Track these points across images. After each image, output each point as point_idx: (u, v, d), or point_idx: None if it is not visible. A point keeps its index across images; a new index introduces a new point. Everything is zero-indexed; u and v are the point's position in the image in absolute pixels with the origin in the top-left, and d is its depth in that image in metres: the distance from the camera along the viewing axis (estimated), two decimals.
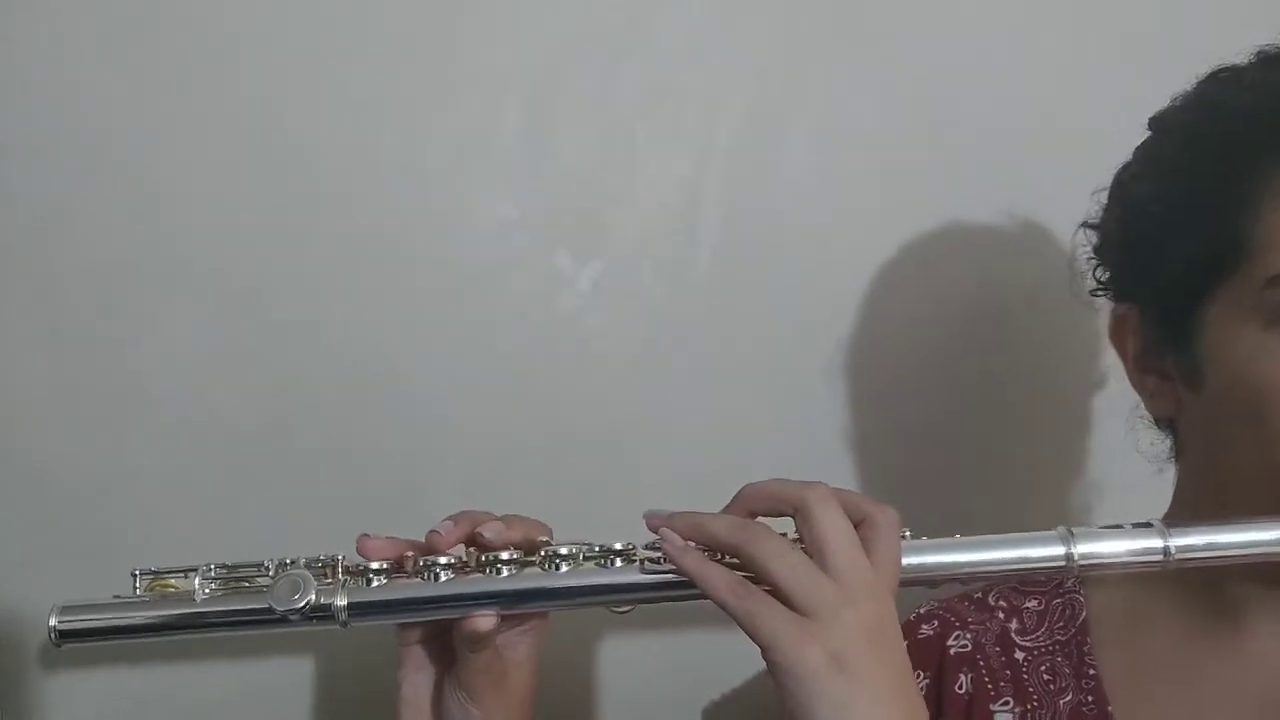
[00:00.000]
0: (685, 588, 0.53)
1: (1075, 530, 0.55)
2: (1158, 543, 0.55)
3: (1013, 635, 0.67)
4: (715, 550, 0.53)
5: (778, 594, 0.50)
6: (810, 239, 0.85)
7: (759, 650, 0.50)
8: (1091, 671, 0.64)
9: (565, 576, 0.55)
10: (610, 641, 0.84)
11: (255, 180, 0.78)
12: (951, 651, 0.68)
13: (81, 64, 0.76)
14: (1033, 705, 0.64)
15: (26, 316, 0.77)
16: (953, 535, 0.56)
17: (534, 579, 0.55)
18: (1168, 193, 0.61)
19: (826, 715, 0.48)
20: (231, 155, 0.78)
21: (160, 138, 0.77)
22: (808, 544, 0.52)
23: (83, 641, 0.56)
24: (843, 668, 0.49)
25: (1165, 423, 0.65)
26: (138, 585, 0.56)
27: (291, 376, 0.79)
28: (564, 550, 0.55)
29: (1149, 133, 0.65)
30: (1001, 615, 0.68)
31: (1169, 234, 0.60)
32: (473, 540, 0.56)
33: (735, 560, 0.53)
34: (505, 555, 0.55)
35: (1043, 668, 0.66)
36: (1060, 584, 0.68)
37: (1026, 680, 0.65)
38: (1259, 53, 0.61)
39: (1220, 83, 0.62)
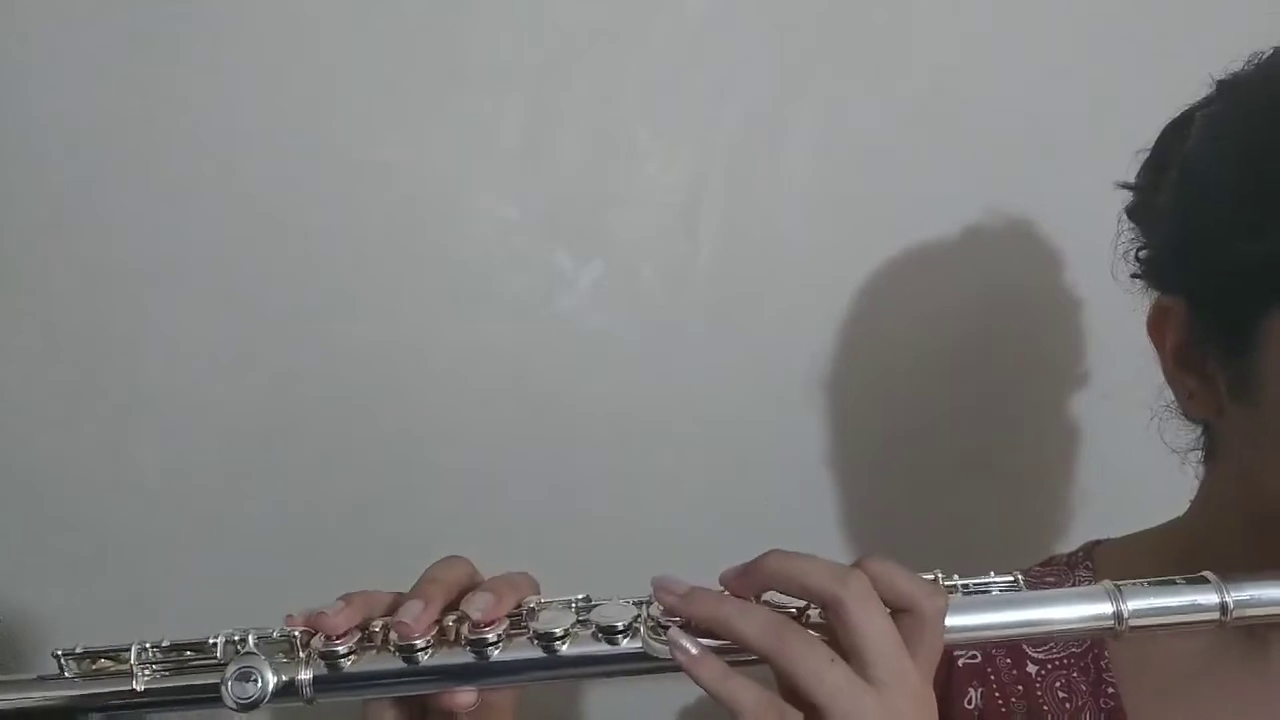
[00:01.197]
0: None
1: (1122, 586, 0.49)
2: (1213, 599, 0.49)
3: (1024, 647, 0.63)
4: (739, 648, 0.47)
5: (813, 711, 0.45)
6: (810, 239, 0.85)
7: None
8: (1110, 690, 0.60)
9: (560, 652, 0.48)
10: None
11: (255, 180, 0.78)
12: (960, 663, 0.63)
13: (81, 64, 0.76)
14: None
15: (26, 317, 0.77)
16: (987, 586, 0.50)
17: (525, 651, 0.48)
18: (1241, 178, 0.54)
19: None
20: (231, 155, 0.78)
21: (160, 137, 0.77)
22: (844, 646, 0.46)
23: None
24: None
25: (1199, 420, 0.60)
26: (64, 668, 0.50)
27: (291, 377, 0.79)
28: (558, 630, 0.48)
29: (1217, 95, 0.58)
30: None
31: (1241, 230, 0.52)
32: (452, 604, 0.50)
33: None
34: (492, 637, 0.48)
35: (1057, 684, 0.62)
36: (1076, 584, 0.63)
37: (1040, 696, 0.62)
38: None
39: None
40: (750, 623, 0.46)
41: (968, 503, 0.87)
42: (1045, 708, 0.61)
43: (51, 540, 0.77)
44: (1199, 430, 0.60)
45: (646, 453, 0.84)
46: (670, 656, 0.47)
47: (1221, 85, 0.58)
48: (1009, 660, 0.63)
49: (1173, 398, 0.60)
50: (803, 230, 0.85)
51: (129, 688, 0.49)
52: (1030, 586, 0.51)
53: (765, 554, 0.48)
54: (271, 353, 0.79)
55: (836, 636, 0.46)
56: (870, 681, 0.45)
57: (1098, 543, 0.67)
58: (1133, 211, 0.62)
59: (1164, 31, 0.87)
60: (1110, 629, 0.49)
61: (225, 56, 0.77)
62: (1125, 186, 0.63)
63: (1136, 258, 0.61)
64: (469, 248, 0.81)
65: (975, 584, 0.50)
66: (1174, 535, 0.63)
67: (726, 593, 0.49)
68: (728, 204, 0.84)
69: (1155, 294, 0.59)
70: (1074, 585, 0.62)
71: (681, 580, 0.49)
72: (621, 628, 0.48)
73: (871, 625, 0.45)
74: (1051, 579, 0.65)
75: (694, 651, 0.47)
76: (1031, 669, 0.62)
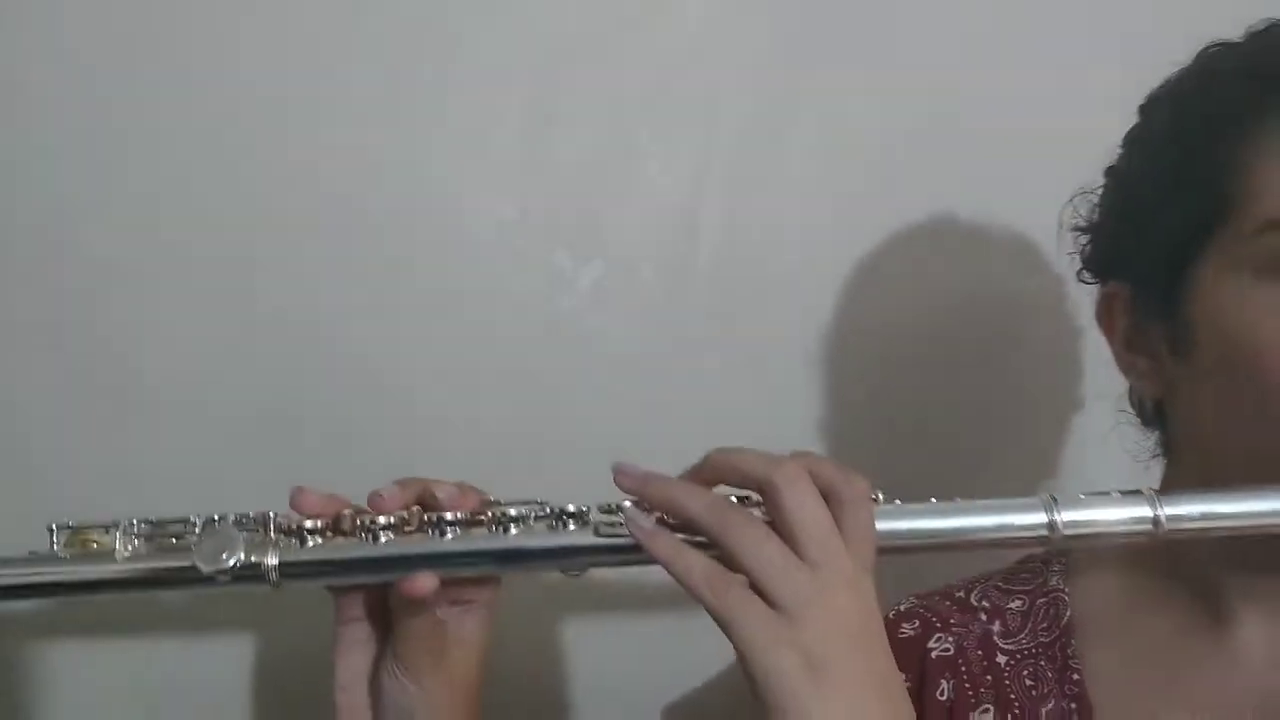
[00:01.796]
0: (640, 552, 0.50)
1: (1059, 497, 0.52)
2: (1147, 511, 0.51)
3: (995, 638, 0.66)
4: (686, 528, 0.50)
5: (753, 586, 0.48)
6: (810, 239, 0.85)
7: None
8: (1075, 676, 0.62)
9: (515, 538, 0.51)
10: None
11: (255, 180, 0.78)
12: (933, 655, 0.66)
13: (81, 63, 0.76)
14: (1015, 713, 0.63)
15: (26, 316, 0.77)
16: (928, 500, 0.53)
17: (482, 540, 0.51)
18: (1155, 162, 0.61)
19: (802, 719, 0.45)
20: (231, 155, 0.78)
21: (160, 137, 0.77)
22: (778, 528, 0.49)
23: None
24: (819, 671, 0.46)
25: (1152, 416, 0.64)
26: (55, 540, 0.53)
27: (291, 376, 0.79)
28: (513, 511, 0.51)
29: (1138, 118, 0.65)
30: (984, 617, 0.67)
31: (1158, 202, 0.59)
32: (420, 501, 0.53)
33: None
34: (450, 516, 0.51)
35: (1025, 672, 0.64)
36: (1045, 581, 0.67)
37: (1009, 686, 0.64)
38: (1246, 31, 0.61)
39: (1206, 55, 0.62)
40: (696, 502, 0.50)
41: (971, 498, 0.86)
42: (1013, 697, 0.63)
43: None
44: (1154, 437, 0.65)
45: (646, 453, 0.83)
46: (621, 536, 0.50)
47: (1141, 107, 0.64)
48: (980, 652, 0.65)
49: (1128, 407, 0.65)
50: (803, 230, 0.85)
51: (108, 570, 0.51)
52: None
53: (709, 451, 0.53)
54: (271, 352, 0.79)
55: (773, 520, 0.49)
56: (804, 559, 0.48)
57: None
58: (1084, 227, 0.68)
59: (1164, 31, 0.87)
60: (1046, 538, 0.52)
61: (225, 55, 0.77)
62: (1078, 230, 0.68)
63: (1081, 258, 0.67)
64: (469, 248, 0.81)
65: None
66: None
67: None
68: (728, 204, 0.84)
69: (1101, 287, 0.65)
70: (1044, 589, 0.66)
71: (638, 466, 0.53)
72: (573, 511, 0.51)
73: (804, 508, 0.48)
74: (1026, 574, 0.68)
75: (647, 526, 0.50)
76: (1001, 659, 0.65)
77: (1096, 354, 0.85)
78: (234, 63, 0.77)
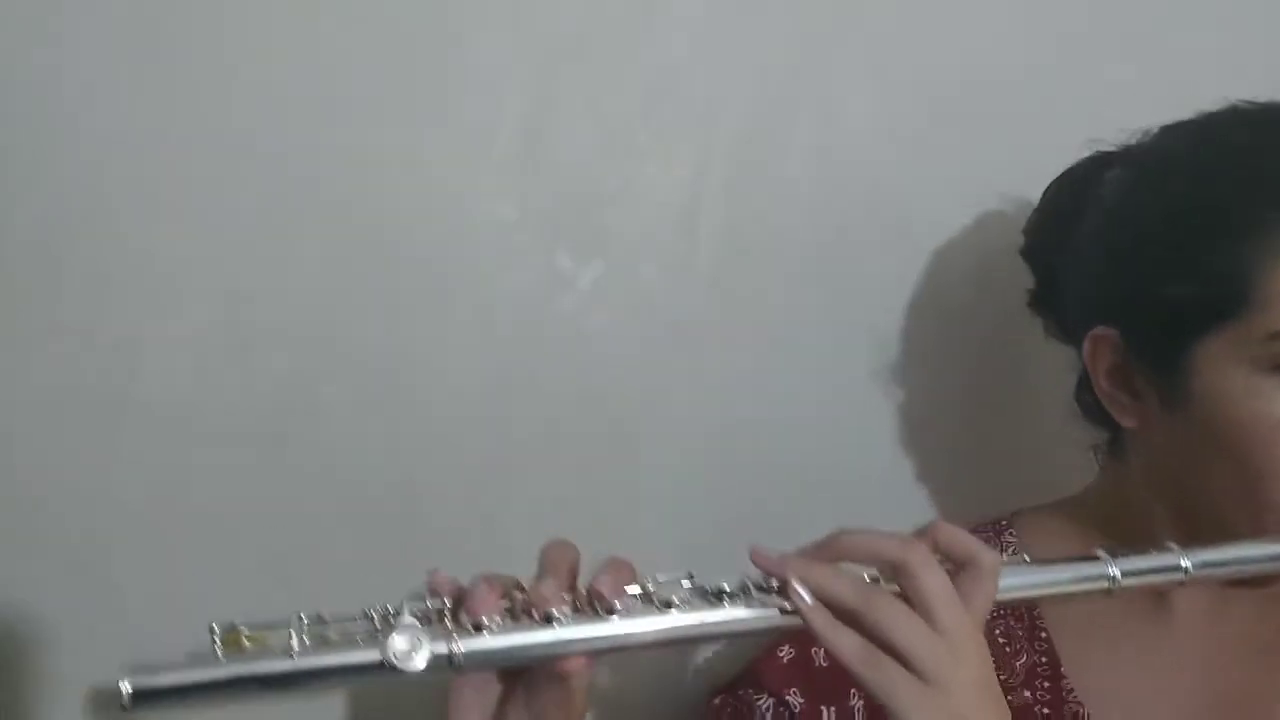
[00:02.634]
0: (789, 625, 0.55)
1: (1112, 550, 0.59)
2: (1176, 561, 0.59)
3: None
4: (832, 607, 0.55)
5: (897, 657, 0.53)
6: (810, 239, 0.85)
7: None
8: (1043, 634, 0.69)
9: (678, 616, 0.55)
10: None
11: (254, 180, 0.78)
12: None
13: (81, 63, 0.76)
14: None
15: (26, 317, 0.76)
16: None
17: (650, 621, 0.55)
18: (1167, 228, 0.64)
19: None
20: (231, 155, 0.78)
21: (159, 137, 0.77)
22: (912, 602, 0.54)
23: (160, 705, 0.50)
24: None
25: (1110, 424, 0.71)
26: (216, 641, 0.52)
27: (291, 377, 0.79)
28: (671, 591, 0.55)
29: (1144, 152, 0.68)
30: None
31: (1167, 270, 0.63)
32: (574, 576, 0.57)
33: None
34: (619, 605, 0.55)
35: (997, 631, 0.70)
36: (1004, 550, 0.73)
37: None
38: (1234, 109, 0.66)
39: (1232, 124, 0.65)
40: (843, 584, 0.55)
41: (964, 498, 0.87)
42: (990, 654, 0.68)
43: (51, 540, 0.77)
44: (1099, 434, 0.72)
45: (647, 453, 0.84)
46: (772, 613, 0.55)
47: (1147, 149, 0.68)
48: None
49: (1074, 400, 0.73)
50: (803, 230, 0.85)
51: (287, 668, 0.51)
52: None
53: (836, 532, 0.57)
54: (271, 353, 0.79)
55: (905, 594, 0.54)
56: (936, 629, 0.53)
57: (1017, 512, 0.77)
58: (1037, 252, 0.76)
59: (1164, 31, 0.87)
60: (1105, 589, 0.59)
61: (225, 56, 0.77)
62: (1027, 233, 0.77)
63: (1039, 297, 0.76)
64: (469, 248, 0.81)
65: None
66: (1089, 507, 0.74)
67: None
68: (728, 204, 0.84)
69: (1051, 318, 0.74)
70: (1001, 550, 0.72)
71: (773, 549, 0.57)
72: (729, 590, 0.55)
73: (934, 583, 0.54)
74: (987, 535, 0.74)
75: (810, 601, 0.55)
76: None
77: None
78: (234, 62, 0.77)
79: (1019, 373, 0.89)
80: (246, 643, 0.52)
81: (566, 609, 0.54)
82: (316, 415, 0.79)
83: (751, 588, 0.56)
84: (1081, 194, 0.71)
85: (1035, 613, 0.70)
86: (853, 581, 0.56)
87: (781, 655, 0.73)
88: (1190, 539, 0.62)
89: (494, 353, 0.82)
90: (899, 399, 0.88)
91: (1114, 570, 0.58)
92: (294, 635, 0.51)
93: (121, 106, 0.76)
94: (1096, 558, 0.59)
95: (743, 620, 0.55)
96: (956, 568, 0.56)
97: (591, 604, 0.55)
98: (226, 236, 0.78)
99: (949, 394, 0.89)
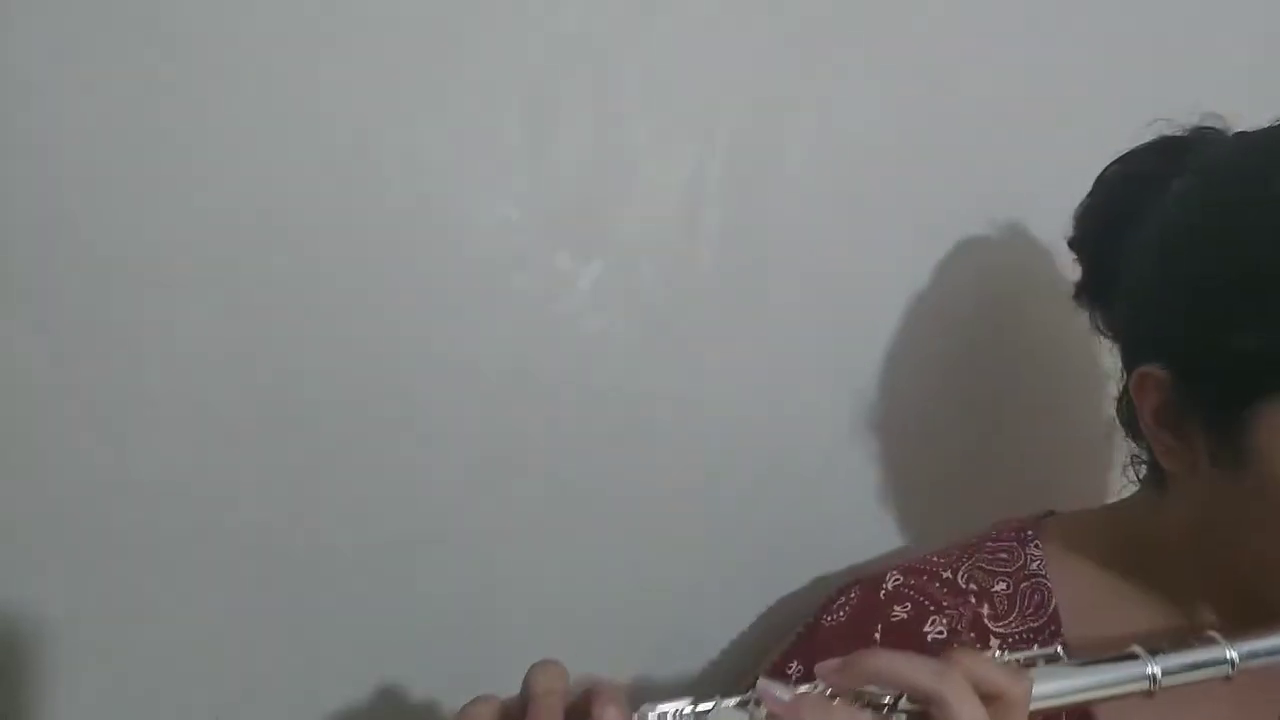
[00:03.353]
0: None
1: (1154, 652, 0.56)
2: (1225, 654, 0.56)
3: (986, 621, 0.68)
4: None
5: None
6: (810, 239, 0.85)
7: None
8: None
9: None
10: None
11: (254, 180, 0.78)
12: (929, 639, 0.68)
13: (80, 63, 0.76)
14: None
15: (26, 316, 0.76)
16: (1034, 659, 0.57)
17: None
18: (1243, 270, 0.58)
19: None
20: (231, 155, 0.77)
21: (159, 136, 0.77)
22: None
23: None
24: None
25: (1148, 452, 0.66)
26: None
27: (291, 377, 0.79)
28: None
29: (1215, 167, 0.62)
30: (974, 599, 0.69)
31: (1239, 323, 0.57)
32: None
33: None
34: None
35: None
36: (1025, 565, 0.70)
37: None
38: None
39: None
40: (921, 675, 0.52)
41: (971, 498, 0.87)
42: None
43: (51, 540, 0.77)
44: (1142, 449, 0.67)
45: (647, 453, 0.84)
46: None
47: (1196, 164, 0.62)
48: (974, 634, 0.68)
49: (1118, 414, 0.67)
50: (803, 230, 0.85)
51: None
52: (1069, 655, 0.57)
53: (862, 653, 0.54)
54: (271, 353, 0.79)
55: None
56: None
57: (1048, 515, 0.73)
58: (1079, 245, 0.70)
59: (1164, 30, 0.87)
60: (1147, 690, 0.55)
61: (225, 55, 0.77)
62: (1073, 241, 0.71)
63: (1097, 323, 0.70)
64: (469, 248, 0.81)
65: (1023, 658, 0.57)
66: (1121, 527, 0.69)
67: (828, 690, 0.54)
68: (728, 204, 0.84)
69: (1097, 313, 0.68)
70: (1026, 573, 0.69)
71: (783, 688, 0.53)
72: None
73: (971, 717, 0.51)
74: (1004, 554, 0.70)
75: None
76: (994, 642, 0.67)
77: (1099, 354, 0.85)
78: (234, 62, 0.77)
79: (1021, 374, 0.89)
80: None
81: None
82: (315, 414, 0.79)
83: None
84: (1141, 194, 0.65)
85: (1059, 640, 0.64)
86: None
87: (790, 672, 0.72)
88: (1224, 601, 0.60)
89: (494, 353, 0.82)
90: (899, 399, 0.88)
91: (1154, 669, 0.55)
92: None
93: (121, 105, 0.76)
94: (1135, 656, 0.56)
95: None
96: (986, 701, 0.53)
97: None
98: (226, 236, 0.78)
99: (950, 395, 0.89)
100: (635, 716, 0.52)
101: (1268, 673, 0.60)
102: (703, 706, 0.53)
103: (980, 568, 0.70)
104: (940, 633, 0.68)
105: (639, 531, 0.84)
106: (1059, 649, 0.57)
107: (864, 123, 0.85)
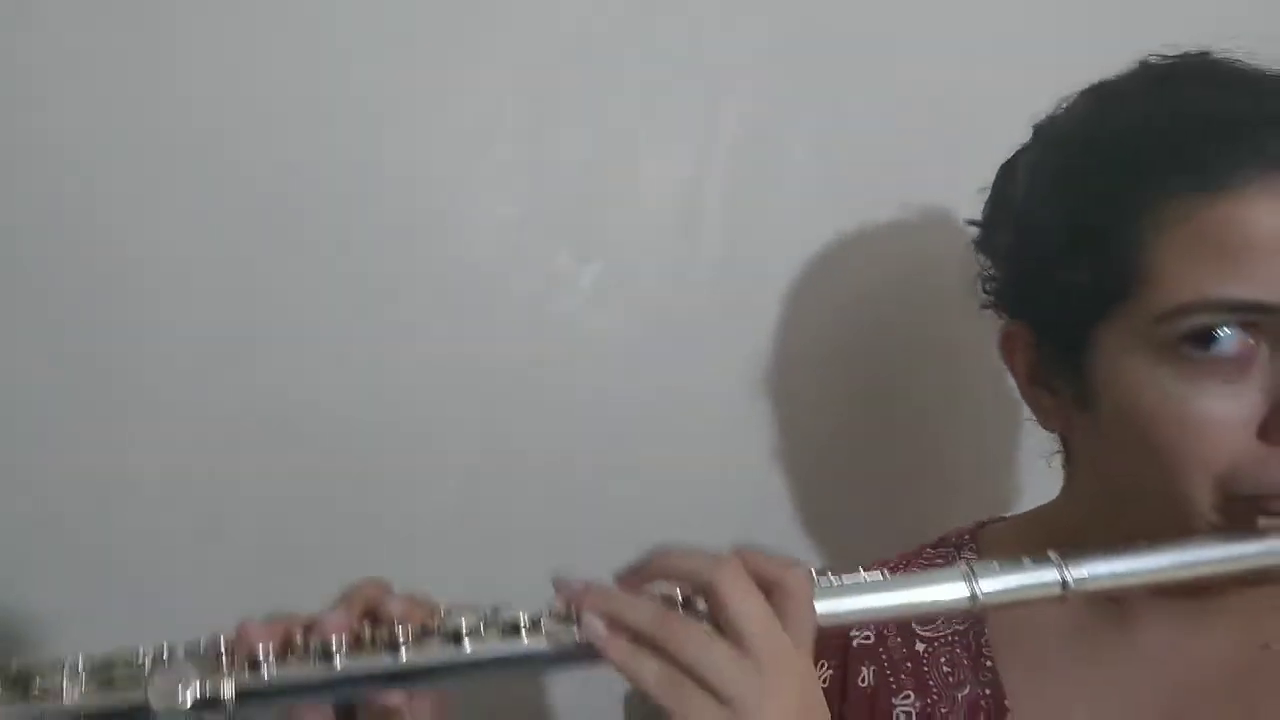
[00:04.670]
0: (592, 654, 0.51)
1: (976, 567, 0.54)
2: (1054, 576, 0.54)
3: (913, 626, 0.68)
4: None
5: (703, 685, 0.49)
6: (810, 239, 0.85)
7: None
8: (989, 664, 0.65)
9: (469, 652, 0.51)
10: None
11: (255, 181, 0.78)
12: (854, 644, 0.69)
13: (81, 63, 0.76)
14: (933, 699, 0.66)
15: (26, 317, 0.76)
16: (855, 570, 0.55)
17: (436, 654, 0.51)
18: (1057, 211, 0.60)
19: None
20: (231, 156, 0.78)
21: (160, 138, 0.77)
22: (721, 625, 0.51)
23: None
24: None
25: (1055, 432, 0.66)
26: None
27: (291, 378, 0.79)
28: (464, 623, 0.51)
29: (1034, 141, 0.65)
30: None
31: (1060, 255, 0.59)
32: (369, 613, 0.53)
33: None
34: (401, 632, 0.51)
35: (942, 659, 0.67)
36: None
37: (927, 673, 0.67)
38: (1142, 65, 0.62)
39: (1106, 98, 0.62)
40: (639, 613, 0.51)
41: (964, 498, 0.87)
42: (931, 682, 0.66)
43: (51, 540, 0.77)
44: (1055, 440, 0.67)
45: (647, 453, 0.84)
46: (571, 644, 0.51)
47: (1038, 130, 0.64)
48: (899, 639, 0.68)
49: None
50: (802, 230, 0.85)
51: (59, 705, 0.49)
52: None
53: (652, 550, 0.54)
54: (271, 353, 0.79)
55: (715, 619, 0.51)
56: (747, 655, 0.50)
57: (983, 524, 0.73)
58: (980, 244, 0.69)
59: (1164, 31, 0.87)
60: (969, 609, 0.54)
61: (226, 56, 0.77)
62: (973, 224, 0.69)
63: (984, 289, 0.68)
64: (469, 248, 0.81)
65: (848, 578, 0.55)
66: (1046, 520, 0.69)
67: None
68: (728, 204, 0.84)
69: (1005, 320, 0.66)
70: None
71: (575, 580, 0.53)
72: (526, 622, 0.51)
73: (744, 604, 0.50)
74: (940, 561, 0.70)
75: (604, 633, 0.51)
76: (920, 646, 0.67)
77: None
78: (234, 63, 0.77)
79: None
80: (36, 682, 0.50)
81: (345, 643, 0.50)
82: (315, 415, 0.79)
83: (548, 620, 0.52)
84: (1010, 181, 0.66)
85: (983, 641, 0.66)
86: (652, 607, 0.52)
87: None
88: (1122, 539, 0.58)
89: (494, 352, 0.82)
90: (899, 399, 0.88)
91: (977, 587, 0.53)
92: (65, 677, 0.50)
93: (122, 106, 0.76)
94: (957, 572, 0.54)
95: (537, 652, 0.51)
96: (767, 591, 0.52)
97: (375, 638, 0.51)
98: (226, 237, 0.78)
99: (950, 395, 0.89)
100: (435, 616, 0.52)
101: (1196, 682, 0.61)
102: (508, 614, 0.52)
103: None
104: (867, 638, 0.69)
105: (639, 531, 0.84)
106: (884, 573, 0.55)
107: (864, 122, 0.85)
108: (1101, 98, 0.62)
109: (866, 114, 0.85)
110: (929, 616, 0.65)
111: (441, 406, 0.81)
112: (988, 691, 0.64)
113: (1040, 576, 0.54)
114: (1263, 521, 0.55)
